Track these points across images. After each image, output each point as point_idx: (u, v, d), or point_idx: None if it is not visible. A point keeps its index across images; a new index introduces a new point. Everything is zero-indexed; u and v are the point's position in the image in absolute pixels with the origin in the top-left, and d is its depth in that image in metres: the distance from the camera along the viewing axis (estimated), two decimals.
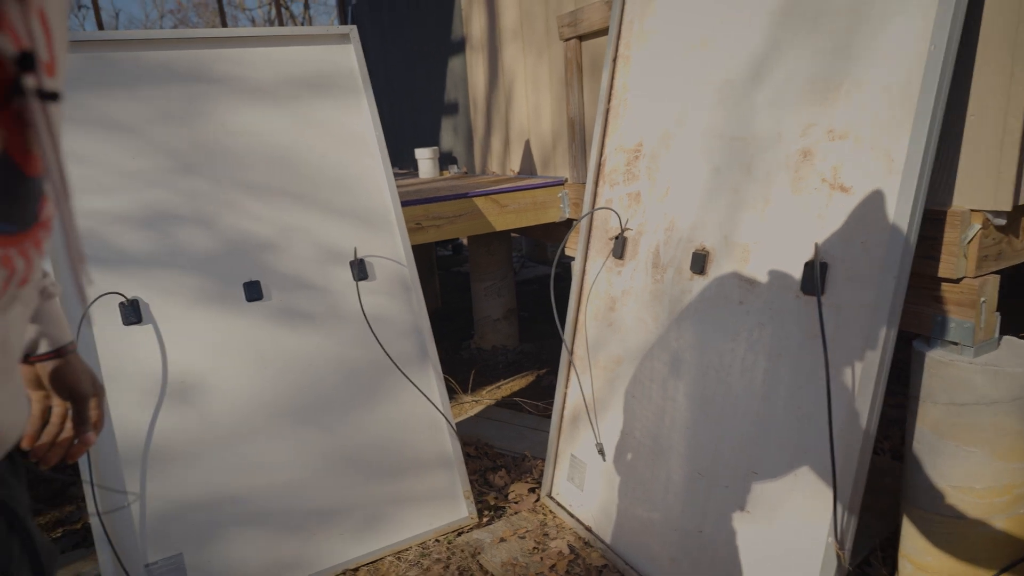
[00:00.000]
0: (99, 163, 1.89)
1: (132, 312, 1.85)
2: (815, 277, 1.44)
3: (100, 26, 5.67)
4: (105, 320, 1.85)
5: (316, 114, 2.14)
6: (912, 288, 1.56)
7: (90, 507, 1.73)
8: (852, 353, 1.40)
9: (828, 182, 1.47)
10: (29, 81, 0.42)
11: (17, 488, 0.74)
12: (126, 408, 1.84)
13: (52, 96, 0.45)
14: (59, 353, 0.86)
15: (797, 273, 1.51)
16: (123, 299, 1.85)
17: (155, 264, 1.91)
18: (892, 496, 2.02)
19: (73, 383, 0.87)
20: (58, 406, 0.88)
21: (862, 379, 1.36)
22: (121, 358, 1.84)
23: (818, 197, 1.49)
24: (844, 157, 1.45)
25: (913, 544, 1.65)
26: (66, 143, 1.85)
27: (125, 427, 1.83)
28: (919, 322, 1.64)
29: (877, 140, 1.39)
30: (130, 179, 1.91)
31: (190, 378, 1.90)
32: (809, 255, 1.49)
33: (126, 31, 1.95)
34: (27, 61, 0.42)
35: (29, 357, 0.85)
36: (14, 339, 0.56)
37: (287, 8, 14.58)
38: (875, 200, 1.38)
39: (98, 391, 0.90)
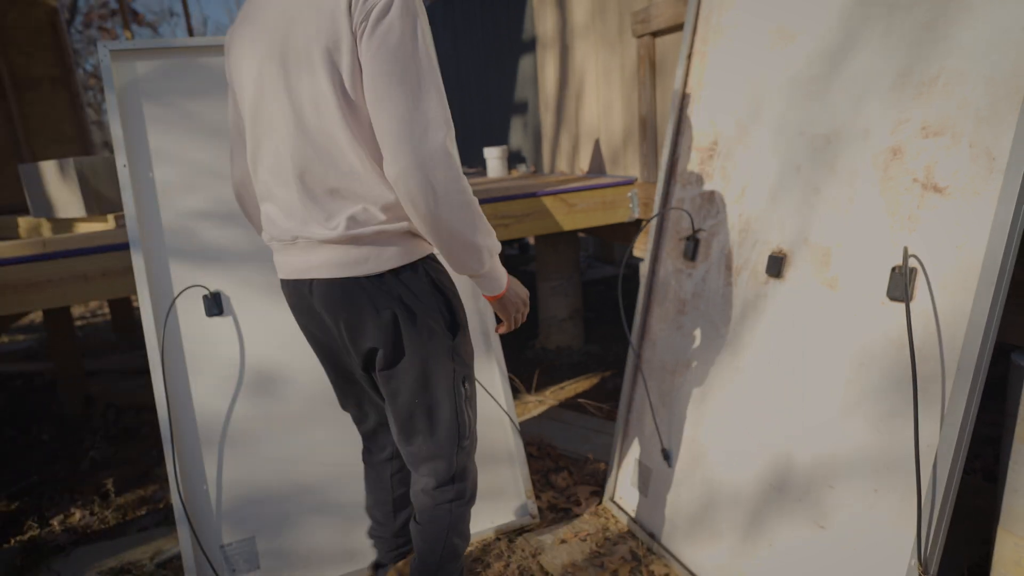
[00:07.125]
0: (188, 162, 1.99)
1: (214, 304, 1.94)
2: (904, 282, 1.35)
3: (191, 33, 5.99)
4: (190, 311, 1.95)
5: None
6: (1012, 297, 1.45)
7: (172, 488, 1.82)
8: (943, 365, 1.31)
9: (920, 182, 1.38)
10: None
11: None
12: (206, 395, 1.93)
13: None
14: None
15: (883, 278, 1.43)
16: (206, 292, 1.95)
17: (236, 259, 1.99)
18: (984, 519, 1.88)
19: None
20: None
21: (953, 393, 1.27)
22: (203, 347, 1.94)
23: (909, 197, 1.40)
24: (939, 155, 1.36)
25: (1005, 572, 1.54)
26: (160, 144, 1.96)
27: (205, 413, 1.92)
28: (1018, 333, 1.52)
29: (977, 137, 1.29)
30: (214, 178, 2.00)
31: (266, 369, 1.98)
32: (897, 259, 1.40)
33: (214, 37, 2.04)
34: None
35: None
36: None
37: None
38: (973, 202, 1.29)
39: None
